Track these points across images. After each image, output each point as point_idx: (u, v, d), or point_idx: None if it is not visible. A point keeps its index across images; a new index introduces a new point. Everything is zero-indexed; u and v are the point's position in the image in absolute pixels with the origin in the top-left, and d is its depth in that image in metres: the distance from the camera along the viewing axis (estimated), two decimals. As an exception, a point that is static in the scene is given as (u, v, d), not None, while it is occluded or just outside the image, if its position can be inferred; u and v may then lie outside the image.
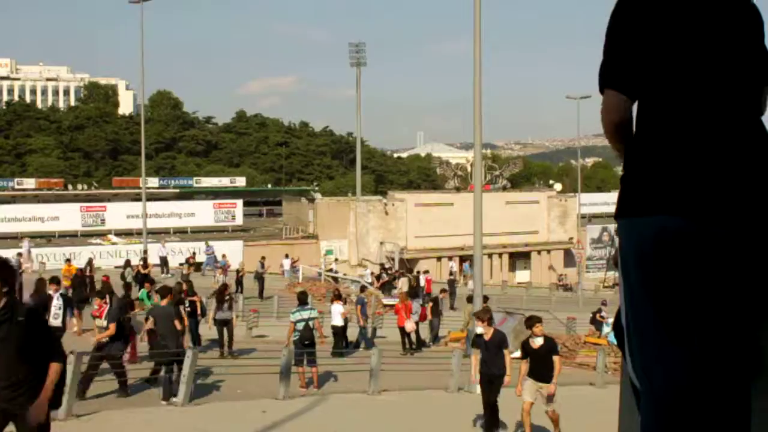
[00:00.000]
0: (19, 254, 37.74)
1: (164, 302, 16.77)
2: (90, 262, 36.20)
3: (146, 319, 17.03)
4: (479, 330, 13.62)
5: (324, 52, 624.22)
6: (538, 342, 13.13)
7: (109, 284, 21.49)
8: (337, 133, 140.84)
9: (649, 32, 2.36)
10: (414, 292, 33.71)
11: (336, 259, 57.23)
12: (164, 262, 47.09)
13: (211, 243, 52.30)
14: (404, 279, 45.38)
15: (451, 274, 53.62)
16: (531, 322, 13.73)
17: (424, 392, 18.48)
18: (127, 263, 36.95)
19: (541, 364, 12.97)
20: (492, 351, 13.44)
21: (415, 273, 49.21)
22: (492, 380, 13.45)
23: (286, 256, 51.90)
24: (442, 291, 36.85)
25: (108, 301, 17.21)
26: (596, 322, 30.96)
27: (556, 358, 13.22)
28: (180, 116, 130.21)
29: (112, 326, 15.59)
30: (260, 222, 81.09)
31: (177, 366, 15.29)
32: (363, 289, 34.47)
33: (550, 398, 12.96)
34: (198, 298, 22.94)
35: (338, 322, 23.11)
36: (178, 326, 16.14)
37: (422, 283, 44.32)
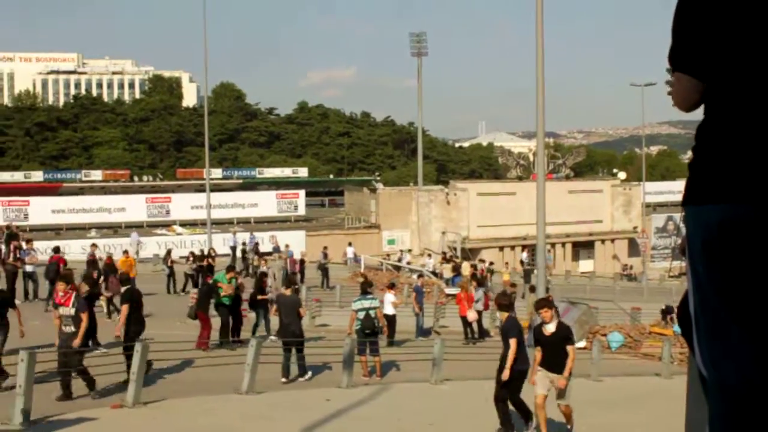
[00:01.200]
0: (93, 245, 38.28)
1: (288, 291, 18.51)
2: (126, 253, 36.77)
3: (271, 303, 19.47)
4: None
5: (385, 43, 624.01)
6: (549, 329, 12.02)
7: (71, 273, 19.99)
8: (398, 123, 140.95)
9: (722, 13, 2.30)
10: (478, 281, 33.46)
11: (410, 250, 57.03)
12: (234, 252, 47.84)
13: (254, 233, 52.97)
14: (466, 263, 45.47)
15: (522, 263, 53.47)
16: (539, 305, 12.70)
17: (486, 382, 18.42)
18: (193, 255, 37.35)
19: (553, 354, 11.90)
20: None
21: (475, 263, 49.07)
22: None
23: (349, 244, 52.17)
24: (512, 285, 36.09)
25: (74, 287, 15.23)
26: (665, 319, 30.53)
27: (569, 348, 12.02)
28: (243, 108, 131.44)
29: (85, 317, 14.02)
30: (322, 212, 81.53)
31: (296, 349, 17.42)
32: (420, 276, 34.31)
33: (560, 392, 11.96)
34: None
35: (389, 311, 23.13)
36: (302, 313, 18.31)
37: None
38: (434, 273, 47.33)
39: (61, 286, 14.29)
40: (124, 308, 15.54)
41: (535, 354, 12.18)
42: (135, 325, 15.38)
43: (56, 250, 31.64)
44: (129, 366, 13.57)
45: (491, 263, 48.85)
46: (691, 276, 2.41)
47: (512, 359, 12.10)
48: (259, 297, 22.61)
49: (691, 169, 2.40)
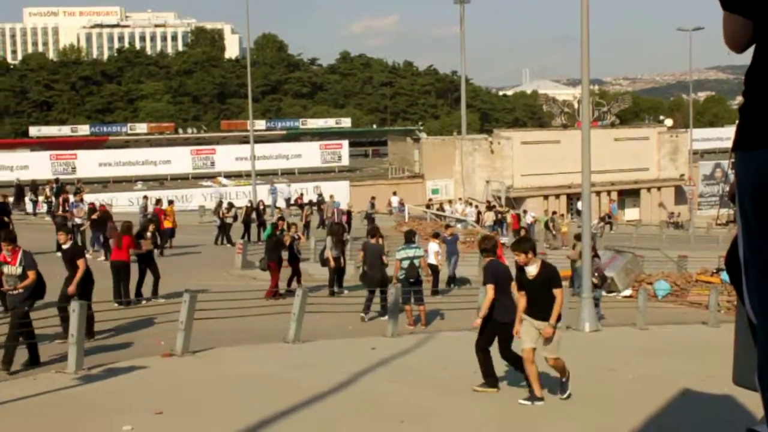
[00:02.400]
0: (145, 197, 38.78)
1: (373, 240, 19.81)
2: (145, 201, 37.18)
3: (360, 251, 20.54)
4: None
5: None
6: (531, 272, 10.47)
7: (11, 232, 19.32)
8: (441, 72, 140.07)
9: None
10: (516, 230, 33.27)
11: (469, 201, 56.71)
12: (288, 203, 48.87)
13: (275, 184, 53.64)
14: (490, 213, 45.41)
15: (578, 213, 53.47)
16: (515, 246, 11.02)
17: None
18: (231, 205, 37.60)
19: (538, 299, 10.38)
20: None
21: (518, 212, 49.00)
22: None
23: (394, 193, 52.29)
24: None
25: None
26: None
27: (557, 291, 10.46)
28: (285, 59, 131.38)
29: (32, 274, 12.81)
30: (366, 162, 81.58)
31: (381, 293, 18.77)
32: (447, 226, 33.71)
33: (547, 341, 10.38)
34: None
35: (432, 260, 23.11)
36: (385, 260, 19.39)
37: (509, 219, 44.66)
38: (476, 222, 47.36)
39: (5, 246, 12.84)
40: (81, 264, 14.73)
41: (519, 301, 10.76)
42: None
43: (158, 202, 32.88)
44: (65, 328, 12.97)
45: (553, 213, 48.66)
46: (740, 222, 2.38)
47: (486, 307, 11.04)
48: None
49: (742, 114, 2.36)
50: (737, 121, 2.41)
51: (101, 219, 28.21)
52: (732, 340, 3.44)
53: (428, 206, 53.21)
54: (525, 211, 49.47)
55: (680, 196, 66.68)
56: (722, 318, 20.42)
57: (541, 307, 10.38)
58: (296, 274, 22.64)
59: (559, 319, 10.55)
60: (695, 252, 37.09)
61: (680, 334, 19.36)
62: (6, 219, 26.55)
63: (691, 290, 26.68)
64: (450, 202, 55.58)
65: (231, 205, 37.01)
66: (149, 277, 20.20)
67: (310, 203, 46.28)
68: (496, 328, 11.04)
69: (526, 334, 10.45)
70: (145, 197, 36.95)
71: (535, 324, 10.41)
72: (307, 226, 37.51)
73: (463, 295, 22.58)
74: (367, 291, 19.27)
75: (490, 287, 11.00)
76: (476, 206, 53.47)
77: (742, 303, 2.54)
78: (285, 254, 22.39)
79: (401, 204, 50.82)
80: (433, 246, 23.79)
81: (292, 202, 52.00)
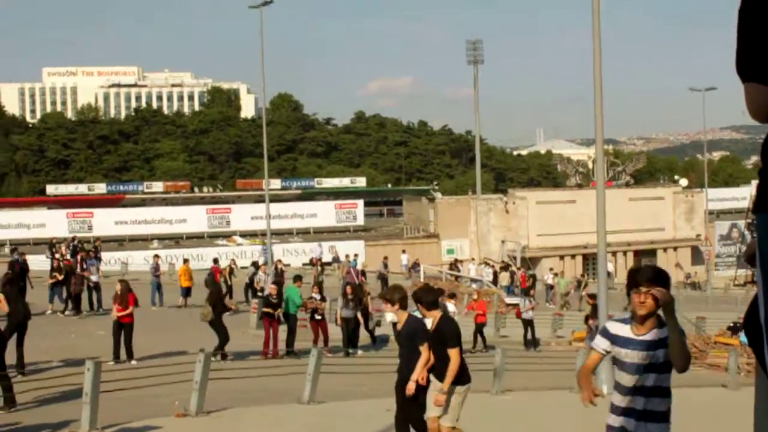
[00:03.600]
0: (156, 256, 38.94)
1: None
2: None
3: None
4: (390, 316, 9.99)
5: (441, 51, 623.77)
6: (428, 323, 9.52)
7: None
8: (455, 131, 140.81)
9: None
10: (524, 289, 33.25)
11: (486, 261, 56.70)
12: (320, 262, 49.06)
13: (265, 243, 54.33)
14: (505, 273, 45.33)
15: (609, 275, 53.33)
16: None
17: (549, 392, 18.28)
18: (255, 265, 37.72)
19: (436, 357, 9.31)
20: (405, 346, 9.58)
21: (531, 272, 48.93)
22: (405, 380, 9.53)
23: (403, 251, 52.38)
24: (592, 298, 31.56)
25: None
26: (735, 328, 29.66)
27: (451, 352, 9.23)
28: (300, 118, 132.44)
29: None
30: (381, 222, 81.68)
31: None
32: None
33: (438, 404, 9.21)
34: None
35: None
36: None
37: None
38: (492, 283, 47.25)
39: None
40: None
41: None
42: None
43: (215, 261, 33.22)
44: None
45: (552, 270, 48.52)
46: (762, 284, 2.37)
47: (424, 370, 9.43)
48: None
49: (762, 177, 2.36)
50: (757, 183, 2.40)
51: (66, 273, 28.25)
52: (752, 404, 3.40)
53: (451, 267, 52.89)
54: (551, 270, 49.40)
55: (697, 256, 66.38)
56: (742, 381, 20.17)
57: (440, 369, 9.26)
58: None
59: (463, 382, 9.33)
60: (713, 313, 36.77)
61: (699, 396, 19.13)
62: (21, 282, 26.74)
63: (709, 352, 26.41)
64: (460, 262, 55.48)
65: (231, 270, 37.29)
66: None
67: (321, 263, 46.52)
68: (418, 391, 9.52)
69: (431, 398, 9.31)
70: (156, 256, 37.06)
71: (437, 387, 9.29)
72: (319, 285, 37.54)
73: (478, 356, 22.42)
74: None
75: (425, 348, 9.35)
76: (492, 266, 53.33)
77: (762, 366, 2.51)
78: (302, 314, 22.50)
79: (416, 264, 50.80)
80: (449, 306, 23.76)
81: (308, 261, 52.19)
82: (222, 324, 20.48)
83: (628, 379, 5.52)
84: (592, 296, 26.64)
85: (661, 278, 5.42)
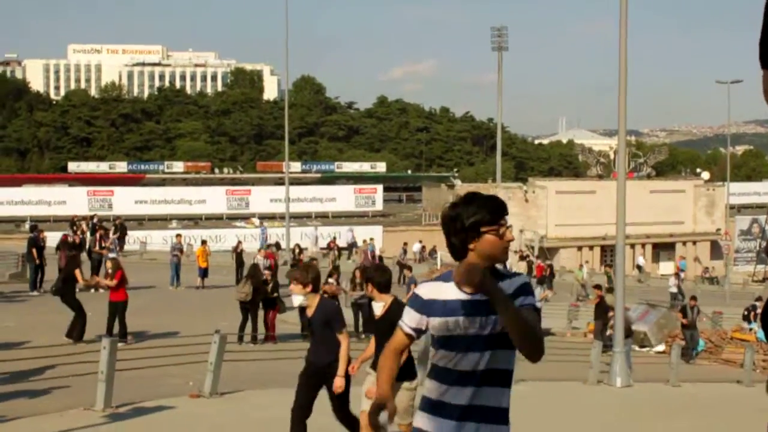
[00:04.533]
0: (178, 236, 39.03)
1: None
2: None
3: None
4: (299, 299, 8.60)
5: (465, 37, 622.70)
6: (376, 309, 8.48)
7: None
8: (477, 119, 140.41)
9: None
10: (540, 279, 33.14)
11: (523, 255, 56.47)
12: (351, 247, 49.32)
13: (265, 224, 54.52)
14: (522, 263, 45.31)
15: (639, 269, 53.35)
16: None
17: (562, 384, 18.25)
18: (278, 245, 37.81)
19: (383, 347, 7.26)
20: (317, 333, 8.56)
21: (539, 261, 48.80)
22: (319, 373, 8.55)
23: (420, 241, 52.57)
24: (598, 289, 29.86)
25: None
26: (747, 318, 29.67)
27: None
28: (323, 101, 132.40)
29: None
30: (400, 208, 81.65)
31: None
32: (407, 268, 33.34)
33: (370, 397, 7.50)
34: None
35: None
36: None
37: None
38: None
39: None
40: None
41: (366, 349, 8.92)
42: None
43: (269, 246, 33.18)
44: None
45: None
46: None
47: (345, 360, 8.49)
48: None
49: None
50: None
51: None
52: (767, 400, 3.37)
53: None
54: (586, 263, 49.30)
55: (716, 250, 66.04)
56: (757, 377, 20.07)
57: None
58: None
59: (411, 377, 8.23)
60: (730, 308, 36.61)
61: (713, 392, 19.06)
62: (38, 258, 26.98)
63: (725, 347, 26.29)
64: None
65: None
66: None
67: (338, 248, 46.65)
68: (324, 373, 8.52)
69: (367, 390, 8.27)
70: (179, 236, 37.16)
71: (372, 380, 8.07)
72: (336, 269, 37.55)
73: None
74: None
75: (344, 336, 8.50)
76: (526, 257, 53.04)
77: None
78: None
79: (433, 250, 50.90)
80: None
81: (322, 245, 52.23)
82: (256, 310, 20.57)
83: (450, 360, 3.76)
84: (598, 287, 26.50)
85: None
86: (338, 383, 8.41)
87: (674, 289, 40.46)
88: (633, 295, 38.80)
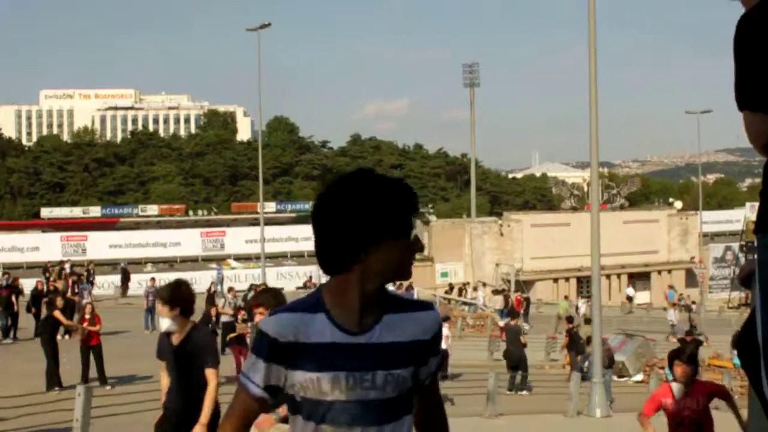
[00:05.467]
0: (152, 279, 38.79)
1: (513, 321, 25.40)
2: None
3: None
4: (166, 324, 7.07)
5: (437, 74, 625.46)
6: (174, 338, 7.13)
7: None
8: (451, 154, 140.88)
9: None
10: (510, 311, 33.09)
11: (484, 284, 56.32)
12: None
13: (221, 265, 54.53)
14: (498, 297, 45.26)
15: (629, 299, 53.42)
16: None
17: (542, 416, 18.18)
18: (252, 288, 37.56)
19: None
20: (180, 368, 7.05)
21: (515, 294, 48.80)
22: (179, 418, 7.03)
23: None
24: (569, 321, 28.86)
25: None
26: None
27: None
28: (296, 141, 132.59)
29: None
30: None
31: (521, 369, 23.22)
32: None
33: None
34: None
35: (443, 345, 23.02)
36: (523, 340, 23.55)
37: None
38: (484, 306, 47.11)
39: None
40: None
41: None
42: None
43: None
44: None
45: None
46: (760, 300, 2.33)
47: (211, 402, 6.83)
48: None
49: (763, 197, 2.33)
50: (758, 205, 2.37)
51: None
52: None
53: (460, 292, 52.23)
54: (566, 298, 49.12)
55: (691, 278, 66.38)
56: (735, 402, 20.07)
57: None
58: None
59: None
60: (707, 336, 36.74)
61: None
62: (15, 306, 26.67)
63: (702, 375, 26.31)
64: (456, 287, 55.16)
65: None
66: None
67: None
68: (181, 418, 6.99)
69: None
70: (152, 279, 36.93)
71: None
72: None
73: (471, 380, 22.33)
74: (509, 368, 23.17)
75: (212, 372, 7.05)
76: (502, 291, 52.83)
77: (755, 388, 2.47)
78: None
79: (409, 287, 50.66)
80: (443, 330, 23.63)
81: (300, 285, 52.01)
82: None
83: None
84: (569, 319, 26.59)
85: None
86: None
87: (674, 321, 40.55)
88: (628, 325, 39.11)
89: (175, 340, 6.97)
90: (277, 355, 2.43)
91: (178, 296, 6.97)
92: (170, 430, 7.03)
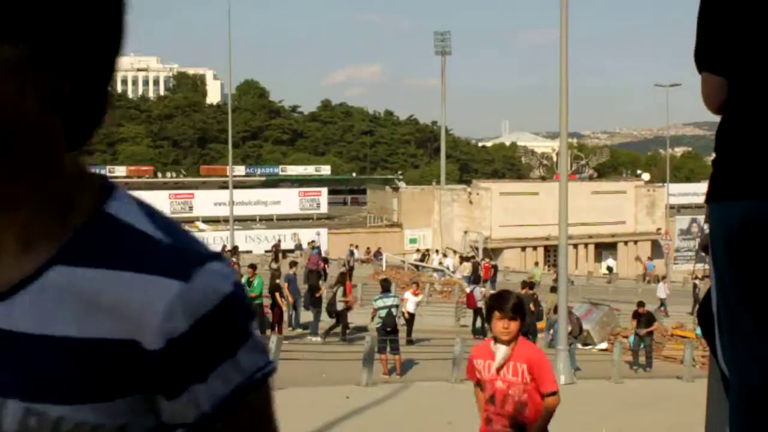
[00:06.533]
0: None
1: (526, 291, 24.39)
2: None
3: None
4: None
5: (409, 41, 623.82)
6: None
7: None
8: (421, 122, 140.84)
9: (745, 10, 2.26)
10: (476, 278, 33.06)
11: (455, 251, 56.27)
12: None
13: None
14: (467, 264, 45.38)
15: (609, 270, 53.73)
16: None
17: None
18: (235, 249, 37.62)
19: None
20: None
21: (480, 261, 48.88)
22: None
23: (356, 246, 50.75)
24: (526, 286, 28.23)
25: None
26: (638, 316, 26.79)
27: None
28: (266, 105, 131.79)
29: None
30: (345, 210, 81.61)
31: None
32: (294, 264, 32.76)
33: None
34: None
35: (411, 309, 23.14)
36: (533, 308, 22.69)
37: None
38: (452, 272, 47.24)
39: None
40: None
41: None
42: None
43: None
44: None
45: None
46: (713, 274, 2.38)
47: None
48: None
49: (715, 166, 2.38)
50: (711, 174, 2.42)
51: None
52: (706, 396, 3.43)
53: (422, 258, 51.87)
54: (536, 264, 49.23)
55: (656, 249, 66.99)
56: (697, 373, 20.41)
57: None
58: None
59: None
60: (671, 306, 37.23)
61: (655, 388, 19.33)
62: None
63: (666, 344, 26.68)
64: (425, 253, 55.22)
65: None
66: None
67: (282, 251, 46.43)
68: None
69: None
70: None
71: None
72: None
73: (438, 345, 22.50)
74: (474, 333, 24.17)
75: None
76: (470, 258, 52.78)
77: (714, 356, 2.53)
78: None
79: (378, 252, 50.75)
80: (410, 296, 23.76)
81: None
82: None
83: None
84: (529, 285, 26.70)
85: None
86: None
87: (663, 295, 40.20)
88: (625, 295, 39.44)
89: None
90: None
91: None
92: None
